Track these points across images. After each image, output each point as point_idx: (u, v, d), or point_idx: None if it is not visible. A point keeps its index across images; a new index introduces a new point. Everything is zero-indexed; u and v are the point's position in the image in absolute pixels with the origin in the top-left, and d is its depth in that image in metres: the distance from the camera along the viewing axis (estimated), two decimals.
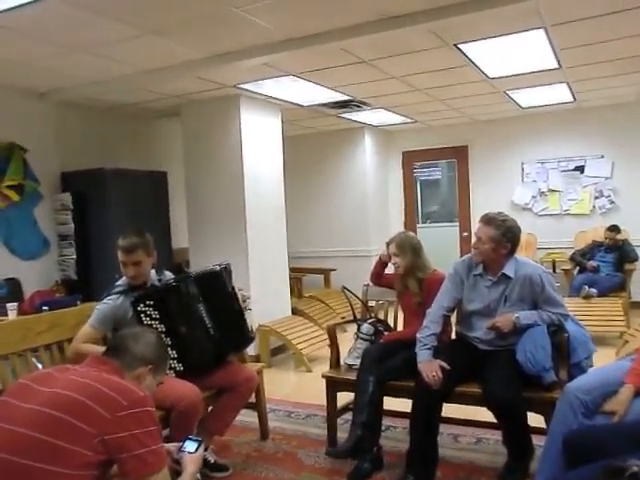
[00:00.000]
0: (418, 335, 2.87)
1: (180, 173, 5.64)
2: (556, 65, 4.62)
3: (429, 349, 2.81)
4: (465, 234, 7.71)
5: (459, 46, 3.96)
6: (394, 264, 3.23)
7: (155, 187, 5.43)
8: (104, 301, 2.82)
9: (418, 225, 8.18)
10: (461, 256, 7.45)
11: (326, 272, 7.41)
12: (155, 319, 2.76)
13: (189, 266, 5.54)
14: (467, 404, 2.83)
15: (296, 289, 6.72)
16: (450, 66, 4.50)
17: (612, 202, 6.74)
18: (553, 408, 2.59)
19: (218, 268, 2.96)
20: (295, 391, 4.61)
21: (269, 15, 3.30)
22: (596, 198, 6.82)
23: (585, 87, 5.62)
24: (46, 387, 1.51)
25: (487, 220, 2.78)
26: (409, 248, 3.18)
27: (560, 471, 2.12)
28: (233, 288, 2.97)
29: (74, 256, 4.95)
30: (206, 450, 2.97)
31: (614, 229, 6.22)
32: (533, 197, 7.12)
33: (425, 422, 2.73)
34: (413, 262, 3.18)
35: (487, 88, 5.35)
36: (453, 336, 3.14)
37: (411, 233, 3.38)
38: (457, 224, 7.94)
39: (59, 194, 5.04)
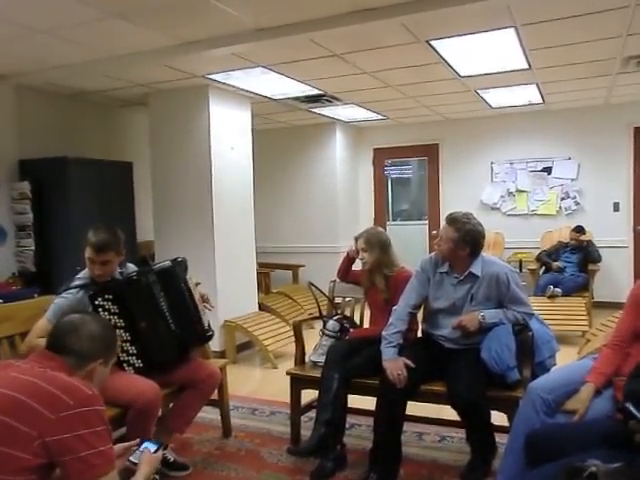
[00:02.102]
0: (384, 333, 2.84)
1: (146, 164, 5.49)
2: (526, 66, 4.64)
3: (394, 347, 2.78)
4: (434, 232, 7.72)
5: (431, 42, 3.94)
6: (361, 259, 3.20)
7: (120, 178, 5.28)
8: (62, 295, 2.70)
9: (388, 222, 8.17)
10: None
11: (294, 268, 7.37)
12: (114, 314, 2.66)
13: (154, 259, 5.40)
14: (431, 402, 2.81)
15: (264, 284, 6.64)
16: (422, 63, 4.48)
17: (577, 203, 6.85)
18: (516, 407, 2.59)
19: (171, 262, 2.85)
20: (260, 388, 4.55)
21: (239, 3, 3.21)
22: (562, 199, 6.92)
23: (554, 89, 5.68)
24: None
25: (450, 220, 2.77)
26: (377, 244, 3.15)
27: (522, 469, 2.12)
28: (186, 283, 2.85)
29: (32, 247, 4.77)
30: (166, 448, 2.88)
31: (579, 230, 6.33)
32: (502, 197, 7.19)
33: (389, 420, 2.70)
34: (380, 258, 3.15)
35: (458, 86, 5.36)
36: (419, 334, 3.13)
37: (380, 229, 3.35)
38: (426, 222, 7.96)
39: (17, 182, 4.85)
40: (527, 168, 7.05)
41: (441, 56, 4.28)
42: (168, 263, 2.85)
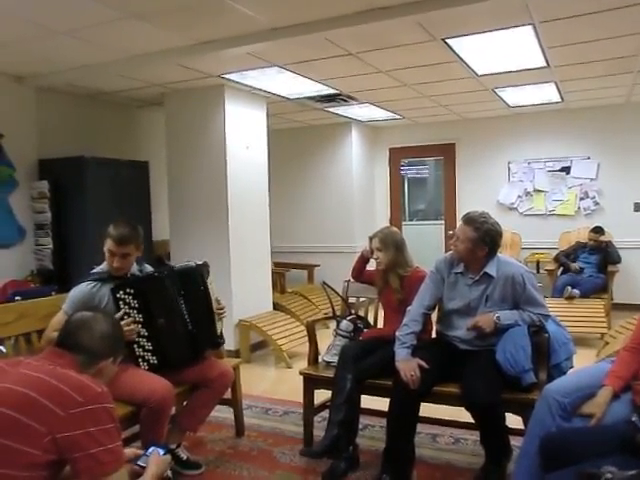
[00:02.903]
0: (397, 333, 2.82)
1: (162, 164, 5.53)
2: (544, 63, 4.58)
3: (408, 347, 2.76)
4: (450, 232, 7.66)
5: (447, 41, 3.90)
6: (376, 259, 3.18)
7: (136, 177, 5.31)
8: (79, 287, 2.72)
9: (404, 222, 8.13)
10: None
11: (310, 268, 7.36)
12: (134, 308, 2.68)
13: (170, 259, 5.44)
14: (445, 404, 2.78)
15: (279, 284, 6.64)
16: (438, 61, 4.44)
17: (597, 203, 6.75)
18: (531, 409, 2.55)
19: (196, 264, 2.89)
20: (274, 387, 4.55)
21: (255, 3, 3.22)
22: (581, 199, 6.82)
23: (573, 87, 5.59)
24: None
25: (467, 220, 2.73)
26: (392, 243, 3.13)
27: (536, 473, 2.08)
28: (206, 286, 2.89)
29: (51, 246, 4.83)
30: (179, 447, 2.90)
31: (598, 231, 6.23)
32: (519, 197, 7.11)
33: (402, 421, 2.68)
34: (395, 258, 3.12)
35: (475, 85, 5.31)
36: (433, 335, 3.10)
37: (394, 228, 3.32)
38: (443, 222, 7.91)
39: (36, 182, 4.91)
40: (545, 168, 6.96)
41: (457, 54, 4.24)
42: (192, 264, 2.88)
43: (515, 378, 2.57)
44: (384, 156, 8.04)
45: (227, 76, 4.77)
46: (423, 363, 2.67)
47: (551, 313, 2.82)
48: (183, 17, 3.42)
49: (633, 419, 1.79)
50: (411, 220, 9.19)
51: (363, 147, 7.72)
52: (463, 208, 7.51)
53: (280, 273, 6.74)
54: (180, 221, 5.34)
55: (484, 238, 2.66)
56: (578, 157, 6.81)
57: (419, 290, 2.90)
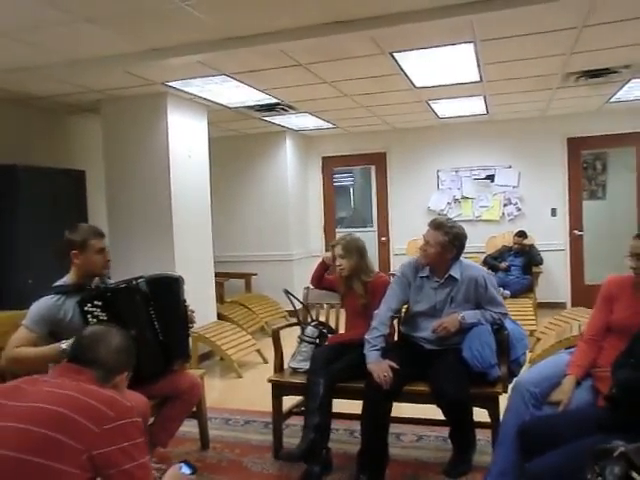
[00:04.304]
0: (367, 336, 2.90)
1: (98, 172, 5.31)
2: (478, 78, 4.88)
3: (378, 350, 2.85)
4: (383, 239, 7.93)
5: (394, 54, 4.07)
6: (339, 266, 3.25)
7: (72, 187, 5.09)
8: (42, 301, 2.58)
9: (337, 230, 8.28)
10: (379, 260, 7.81)
11: (247, 277, 7.34)
12: (102, 321, 2.57)
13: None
14: (415, 402, 2.90)
15: (218, 294, 6.56)
16: (382, 74, 4.61)
17: (519, 209, 7.23)
18: (496, 402, 2.74)
19: (162, 273, 2.86)
20: (226, 397, 4.49)
21: (212, 10, 3.20)
22: (505, 205, 7.28)
23: (498, 101, 5.99)
24: (18, 402, 1.35)
25: (436, 225, 2.87)
26: (355, 250, 3.21)
27: (514, 461, 2.24)
28: (180, 297, 2.88)
29: None
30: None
31: (521, 234, 6.69)
32: (448, 203, 7.47)
33: (376, 422, 2.77)
34: (358, 264, 3.21)
35: (411, 97, 5.55)
36: (395, 337, 3.22)
37: (356, 235, 3.41)
38: (374, 229, 8.13)
39: None
40: (472, 176, 7.38)
41: (401, 67, 4.43)
42: (161, 273, 2.84)
43: (481, 374, 2.73)
44: (317, 165, 8.17)
45: (171, 84, 4.69)
46: (394, 364, 2.78)
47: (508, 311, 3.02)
48: (136, 22, 3.34)
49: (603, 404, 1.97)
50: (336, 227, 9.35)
51: (297, 156, 7.80)
52: (395, 215, 7.82)
53: (219, 283, 6.65)
54: (120, 231, 5.14)
55: (453, 241, 2.82)
56: (501, 166, 7.27)
57: (386, 294, 3.00)
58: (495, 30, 3.66)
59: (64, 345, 2.38)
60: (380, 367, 2.76)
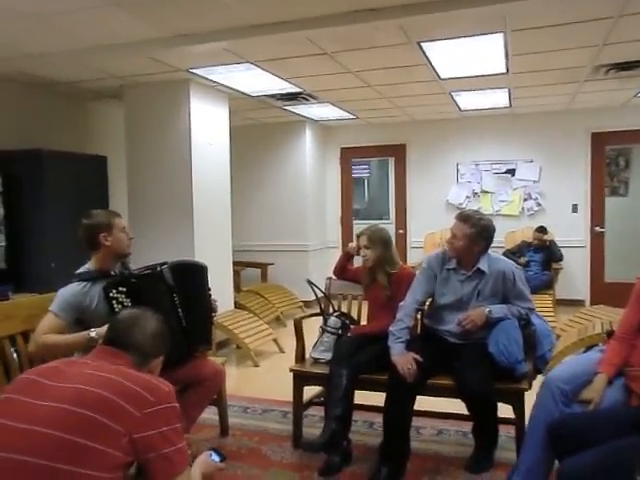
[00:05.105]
0: (391, 328, 2.88)
1: (120, 158, 5.33)
2: (504, 70, 4.81)
3: (403, 342, 2.83)
4: (400, 231, 7.88)
5: (422, 44, 4.02)
6: (363, 256, 3.22)
7: (94, 172, 5.10)
8: (69, 288, 2.58)
9: (355, 221, 8.24)
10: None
11: (263, 266, 7.33)
12: (127, 307, 2.57)
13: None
14: (439, 396, 2.88)
15: (235, 283, 6.57)
16: (407, 64, 4.56)
17: (539, 204, 7.14)
18: (522, 398, 2.71)
19: (202, 263, 2.89)
20: (244, 386, 4.48)
21: None
22: (525, 200, 7.20)
23: (522, 94, 5.90)
24: (59, 382, 1.35)
25: (464, 218, 2.83)
26: (380, 241, 3.18)
27: (542, 457, 2.21)
28: (205, 284, 2.88)
29: (3, 244, 4.54)
30: None
31: (541, 230, 6.61)
32: (467, 197, 7.40)
33: (399, 415, 2.75)
34: (383, 255, 3.18)
35: (435, 88, 5.48)
36: (419, 329, 3.19)
37: (382, 226, 3.38)
38: (391, 221, 8.08)
39: None
40: (492, 170, 7.29)
41: (427, 58, 4.37)
42: (186, 260, 2.86)
43: (508, 369, 2.70)
44: (335, 156, 8.12)
45: (194, 70, 4.67)
46: (418, 357, 2.75)
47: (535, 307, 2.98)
48: (163, 8, 3.32)
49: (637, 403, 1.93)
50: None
51: (316, 146, 7.77)
52: (413, 207, 7.76)
53: (236, 271, 6.66)
54: (140, 218, 5.15)
55: (481, 234, 2.78)
56: (522, 160, 7.18)
57: (411, 286, 2.97)
58: (527, 20, 3.59)
59: (93, 333, 2.39)
60: (405, 360, 2.73)
